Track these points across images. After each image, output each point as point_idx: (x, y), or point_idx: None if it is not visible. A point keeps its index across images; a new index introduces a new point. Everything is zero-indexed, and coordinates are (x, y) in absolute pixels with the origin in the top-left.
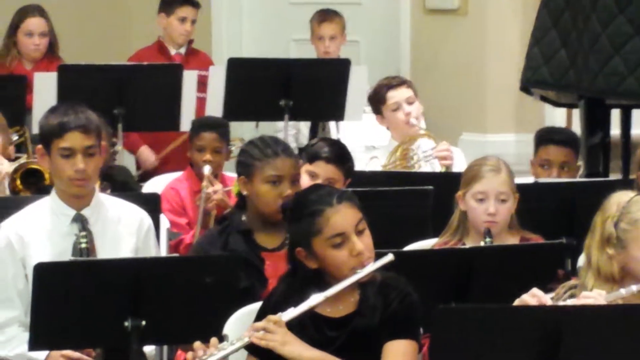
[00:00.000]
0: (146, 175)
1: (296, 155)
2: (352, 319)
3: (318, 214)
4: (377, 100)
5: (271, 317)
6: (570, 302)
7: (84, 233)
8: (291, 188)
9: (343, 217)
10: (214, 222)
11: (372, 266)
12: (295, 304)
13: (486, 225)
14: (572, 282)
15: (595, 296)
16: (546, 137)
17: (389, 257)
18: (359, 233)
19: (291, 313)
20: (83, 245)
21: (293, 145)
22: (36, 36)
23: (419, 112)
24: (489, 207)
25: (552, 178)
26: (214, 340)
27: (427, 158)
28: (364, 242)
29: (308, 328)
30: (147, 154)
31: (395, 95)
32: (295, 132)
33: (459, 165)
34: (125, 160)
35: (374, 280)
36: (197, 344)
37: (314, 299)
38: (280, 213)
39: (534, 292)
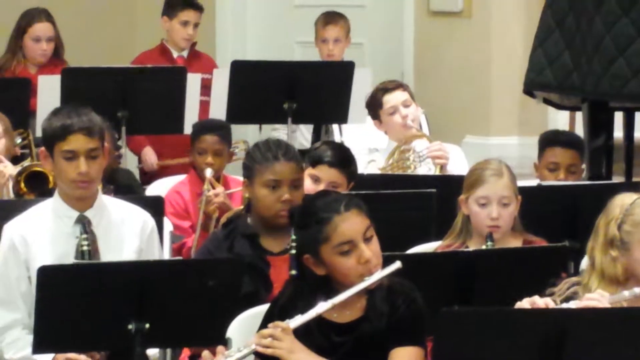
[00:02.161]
0: (149, 178)
1: (299, 159)
2: (359, 324)
3: (326, 222)
4: (374, 105)
5: (278, 323)
6: (573, 303)
7: (84, 235)
8: (291, 193)
9: (351, 224)
10: (220, 225)
11: (379, 274)
12: (302, 309)
13: (489, 229)
14: (575, 278)
15: (598, 298)
16: (552, 139)
17: (397, 265)
18: (367, 240)
19: (298, 320)
20: (85, 248)
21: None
22: (43, 41)
23: (416, 114)
24: (491, 211)
25: (558, 181)
26: (220, 348)
27: (421, 158)
28: (371, 249)
29: (314, 333)
30: (150, 155)
31: (392, 99)
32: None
33: (459, 163)
34: (129, 163)
35: (381, 285)
36: (205, 354)
37: (322, 306)
38: (280, 217)
39: (534, 300)
